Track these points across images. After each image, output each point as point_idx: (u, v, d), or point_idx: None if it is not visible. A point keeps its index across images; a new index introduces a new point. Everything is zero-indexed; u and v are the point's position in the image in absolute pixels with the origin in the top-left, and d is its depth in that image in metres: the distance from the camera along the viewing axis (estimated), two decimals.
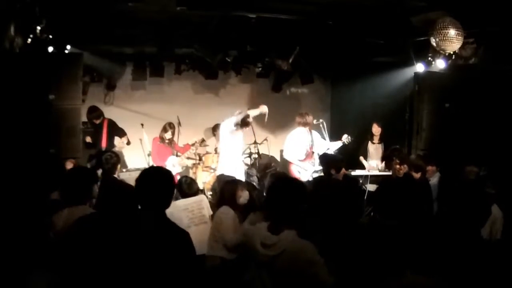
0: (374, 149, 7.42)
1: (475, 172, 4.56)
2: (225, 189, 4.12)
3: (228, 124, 5.86)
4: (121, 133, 6.97)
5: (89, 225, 2.40)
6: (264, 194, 4.52)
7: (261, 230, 2.45)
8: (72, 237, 2.40)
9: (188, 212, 4.31)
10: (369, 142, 7.45)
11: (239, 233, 3.62)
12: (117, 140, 6.82)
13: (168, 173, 2.41)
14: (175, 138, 7.43)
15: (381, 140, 7.41)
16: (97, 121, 6.91)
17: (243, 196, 4.03)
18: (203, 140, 7.36)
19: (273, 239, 2.37)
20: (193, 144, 7.22)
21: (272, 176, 4.75)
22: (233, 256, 3.74)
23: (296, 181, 2.68)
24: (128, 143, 7.00)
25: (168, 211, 2.34)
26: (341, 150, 6.80)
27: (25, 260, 2.67)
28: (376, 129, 7.39)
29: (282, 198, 2.47)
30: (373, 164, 7.19)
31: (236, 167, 5.90)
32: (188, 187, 4.50)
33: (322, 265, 2.36)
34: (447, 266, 2.35)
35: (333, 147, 6.60)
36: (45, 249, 2.81)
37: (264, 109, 6.01)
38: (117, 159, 4.66)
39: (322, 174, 5.47)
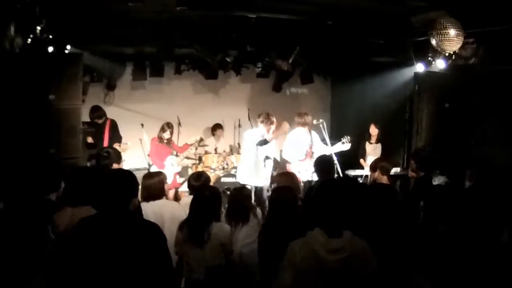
0: (372, 149, 7.39)
1: (471, 175, 4.55)
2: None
3: (253, 138, 6.22)
4: (119, 139, 6.94)
5: (91, 226, 2.39)
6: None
7: (318, 238, 2.42)
8: (73, 238, 2.39)
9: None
10: (367, 143, 7.44)
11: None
12: (115, 145, 6.77)
13: (129, 174, 2.55)
14: (175, 138, 7.42)
15: (378, 140, 7.39)
16: (100, 121, 6.89)
17: None
18: (201, 140, 7.34)
19: (339, 242, 2.39)
20: (191, 144, 7.21)
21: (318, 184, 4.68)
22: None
23: (344, 183, 2.70)
24: (124, 149, 6.90)
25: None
26: (341, 151, 6.77)
27: (24, 267, 2.69)
28: (373, 130, 7.37)
29: (337, 202, 2.48)
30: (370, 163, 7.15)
31: (257, 173, 6.26)
32: (194, 179, 4.40)
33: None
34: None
35: (334, 150, 6.55)
36: (43, 256, 2.83)
37: (285, 127, 6.23)
38: (116, 157, 4.59)
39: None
